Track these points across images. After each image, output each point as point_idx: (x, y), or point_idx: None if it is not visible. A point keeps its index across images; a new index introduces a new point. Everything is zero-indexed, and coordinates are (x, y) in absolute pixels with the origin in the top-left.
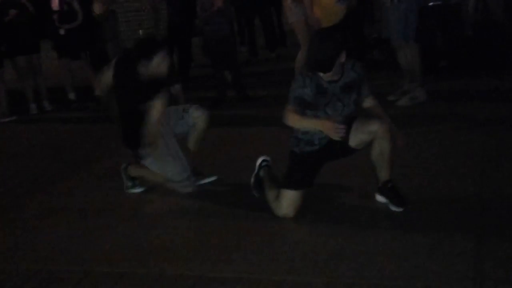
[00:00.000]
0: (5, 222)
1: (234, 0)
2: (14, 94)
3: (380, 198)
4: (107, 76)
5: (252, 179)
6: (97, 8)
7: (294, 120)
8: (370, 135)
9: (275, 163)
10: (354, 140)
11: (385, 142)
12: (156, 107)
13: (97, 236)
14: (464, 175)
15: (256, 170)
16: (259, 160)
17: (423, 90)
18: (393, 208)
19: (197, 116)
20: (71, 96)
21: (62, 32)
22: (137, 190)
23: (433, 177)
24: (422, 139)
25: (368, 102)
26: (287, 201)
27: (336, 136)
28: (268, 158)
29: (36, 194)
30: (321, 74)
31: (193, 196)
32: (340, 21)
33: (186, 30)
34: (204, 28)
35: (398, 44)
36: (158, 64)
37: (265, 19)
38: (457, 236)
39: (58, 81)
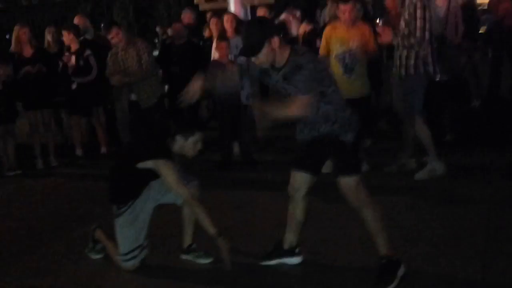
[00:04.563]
0: None
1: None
2: (24, 148)
3: None
4: None
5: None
6: None
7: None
8: (345, 196)
9: (276, 227)
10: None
11: (364, 209)
12: (162, 169)
13: None
14: (467, 255)
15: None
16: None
17: (441, 163)
18: (376, 285)
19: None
20: (78, 152)
21: (74, 86)
22: (94, 255)
23: (435, 255)
24: (425, 213)
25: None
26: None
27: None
28: None
29: (24, 255)
30: (253, 59)
31: (190, 266)
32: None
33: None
34: (212, 91)
35: (404, 118)
36: (189, 146)
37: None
38: None
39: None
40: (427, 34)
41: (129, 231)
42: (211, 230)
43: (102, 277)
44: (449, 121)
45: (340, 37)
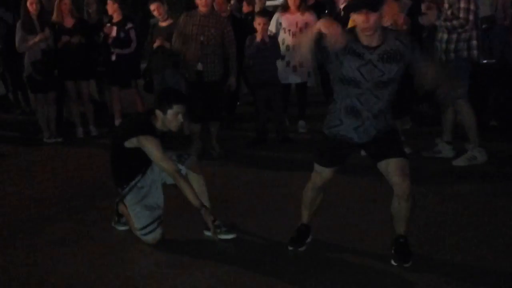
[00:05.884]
0: (24, 247)
1: None
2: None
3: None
4: None
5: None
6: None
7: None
8: (391, 182)
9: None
10: (380, 168)
11: (403, 201)
12: (145, 144)
13: (106, 272)
14: (497, 246)
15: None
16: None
17: (483, 151)
18: (392, 262)
19: (192, 174)
20: (117, 123)
21: (113, 58)
22: (120, 227)
23: (462, 244)
24: (457, 202)
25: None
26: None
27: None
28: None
29: (59, 221)
30: (362, 26)
31: (213, 243)
32: None
33: None
34: (250, 66)
35: (445, 103)
36: (170, 120)
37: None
38: None
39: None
40: (471, 16)
41: (139, 208)
42: (195, 202)
43: (123, 248)
44: (494, 106)
45: None
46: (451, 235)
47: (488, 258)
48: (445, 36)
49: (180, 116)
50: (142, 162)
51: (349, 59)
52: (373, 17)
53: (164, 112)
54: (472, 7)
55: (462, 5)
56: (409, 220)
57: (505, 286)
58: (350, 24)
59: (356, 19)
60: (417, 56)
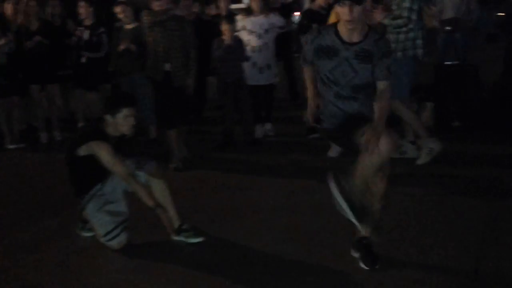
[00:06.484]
0: None
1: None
2: (30, 121)
3: (354, 253)
4: None
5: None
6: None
7: (306, 80)
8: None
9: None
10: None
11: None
12: (95, 150)
13: (70, 279)
14: (461, 245)
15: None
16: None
17: (436, 140)
18: (362, 265)
19: (152, 180)
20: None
21: (83, 60)
22: (84, 233)
23: (429, 244)
24: (423, 201)
25: (379, 88)
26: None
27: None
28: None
29: (22, 227)
30: (345, 18)
31: (181, 248)
32: None
33: (201, 69)
34: (217, 68)
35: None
36: (120, 123)
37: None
38: None
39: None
40: (414, 15)
41: (101, 215)
42: (150, 203)
43: (87, 255)
44: (457, 107)
45: None
46: (417, 235)
47: (455, 257)
48: (392, 35)
49: (130, 119)
50: (99, 170)
51: (322, 62)
52: (356, 9)
53: (114, 116)
54: (415, 7)
55: (406, 4)
56: (375, 220)
57: (471, 284)
58: (331, 19)
59: (340, 11)
60: (381, 66)
